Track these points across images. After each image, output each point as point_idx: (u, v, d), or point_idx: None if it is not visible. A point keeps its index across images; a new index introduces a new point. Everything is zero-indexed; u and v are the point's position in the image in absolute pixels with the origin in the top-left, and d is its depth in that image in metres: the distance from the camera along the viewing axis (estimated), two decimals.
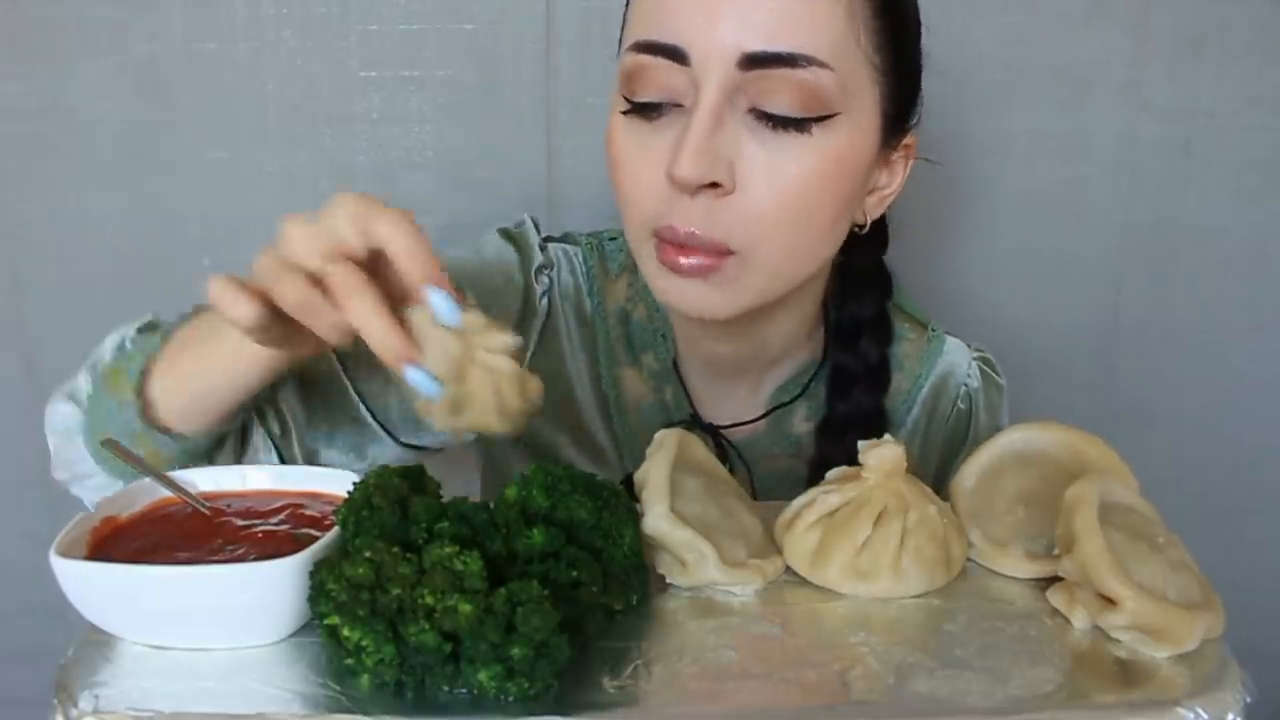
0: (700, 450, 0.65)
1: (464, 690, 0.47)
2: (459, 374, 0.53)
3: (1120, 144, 1.16)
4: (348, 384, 0.76)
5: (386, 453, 0.80)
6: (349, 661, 0.47)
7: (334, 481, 0.59)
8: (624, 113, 0.71)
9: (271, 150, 1.09)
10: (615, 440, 0.87)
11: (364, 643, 0.46)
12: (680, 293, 0.71)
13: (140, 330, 0.71)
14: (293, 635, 0.52)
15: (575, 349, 0.85)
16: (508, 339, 0.54)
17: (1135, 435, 1.09)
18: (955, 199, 1.17)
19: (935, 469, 0.89)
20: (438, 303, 0.52)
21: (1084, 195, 1.17)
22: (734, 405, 0.86)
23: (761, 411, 0.86)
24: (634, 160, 0.70)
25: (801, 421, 0.87)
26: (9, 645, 1.23)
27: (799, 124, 0.66)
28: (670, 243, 0.69)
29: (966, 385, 0.89)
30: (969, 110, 1.14)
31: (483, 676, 0.46)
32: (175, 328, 0.67)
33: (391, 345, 0.52)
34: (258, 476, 0.60)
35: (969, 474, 0.64)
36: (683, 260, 0.69)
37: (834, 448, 0.84)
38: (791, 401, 0.86)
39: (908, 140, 0.76)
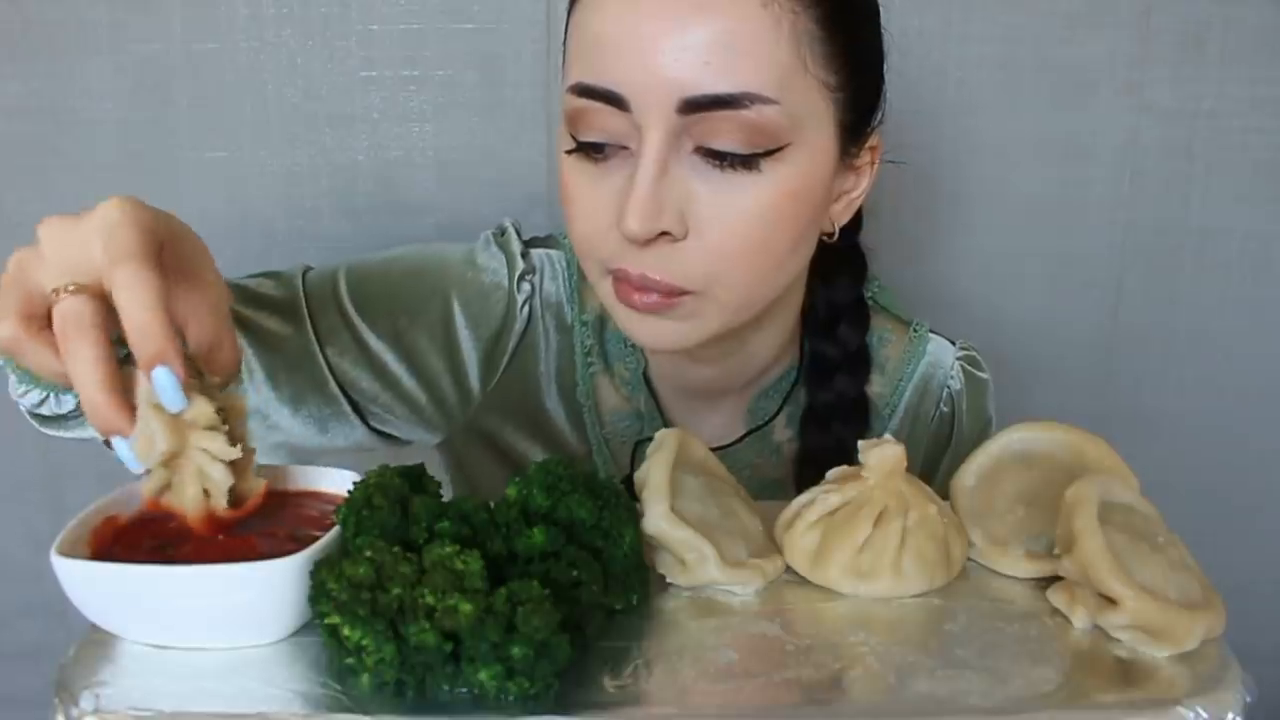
0: (700, 450, 0.65)
1: (464, 690, 0.47)
2: (168, 460, 0.50)
3: (1122, 145, 1.16)
4: (319, 355, 0.76)
5: (350, 433, 0.80)
6: (349, 661, 0.47)
7: (334, 481, 0.59)
8: (569, 151, 0.69)
9: (271, 150, 1.09)
10: (590, 449, 0.85)
11: (364, 642, 0.46)
12: (640, 327, 0.70)
13: None
14: (293, 635, 0.52)
15: (551, 358, 0.84)
16: (230, 450, 0.51)
17: (1135, 435, 1.09)
18: (956, 200, 1.17)
19: (918, 473, 0.88)
20: (161, 388, 0.48)
21: (1085, 196, 1.17)
22: (713, 421, 0.85)
23: (742, 429, 0.85)
24: (585, 201, 0.68)
25: (782, 429, 0.86)
26: (10, 645, 1.23)
27: (746, 161, 0.64)
28: (625, 283, 0.68)
29: (949, 387, 0.87)
30: (969, 111, 1.14)
31: (483, 676, 0.46)
32: None
33: (100, 413, 0.48)
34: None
35: (969, 474, 0.64)
36: (638, 298, 0.68)
37: (819, 438, 0.83)
38: (772, 419, 0.85)
39: (872, 142, 0.74)
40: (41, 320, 0.51)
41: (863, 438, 0.82)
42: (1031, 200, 1.17)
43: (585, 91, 0.66)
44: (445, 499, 0.54)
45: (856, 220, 0.82)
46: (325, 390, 0.77)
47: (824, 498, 0.60)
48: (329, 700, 0.47)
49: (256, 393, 0.74)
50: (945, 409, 0.88)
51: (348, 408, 0.78)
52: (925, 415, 0.88)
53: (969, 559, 0.61)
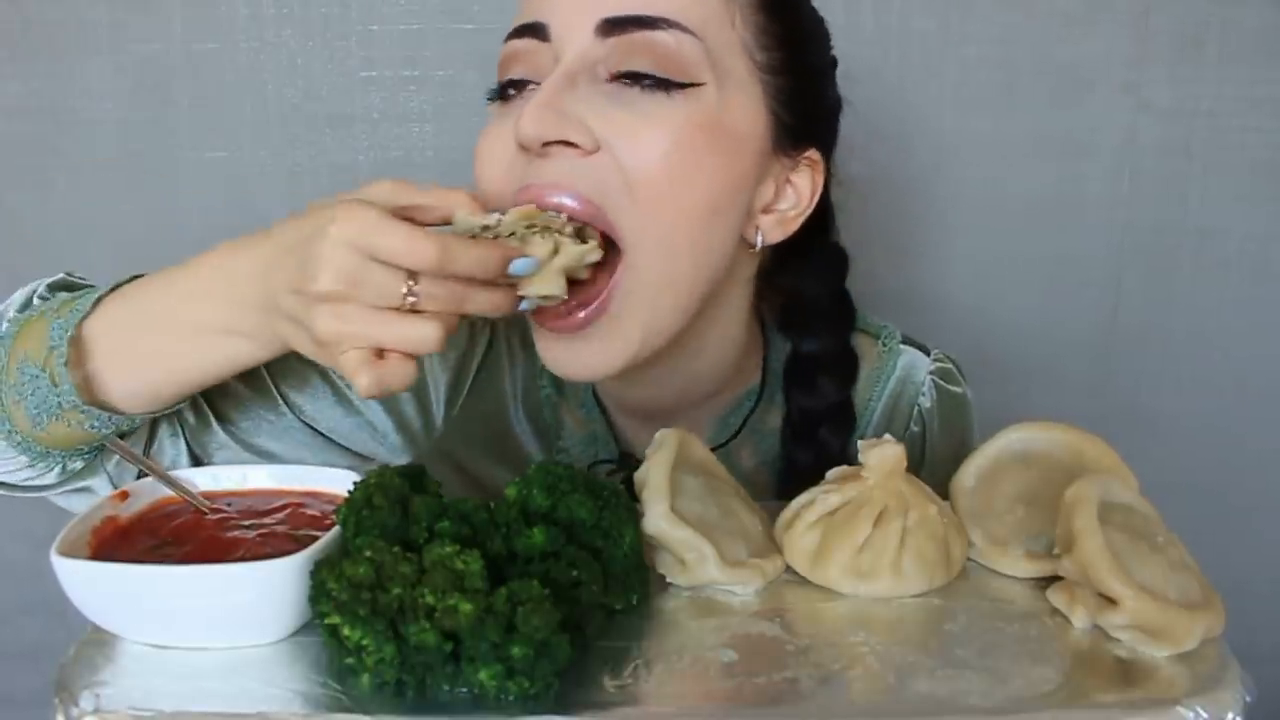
0: (700, 450, 0.64)
1: (464, 690, 0.47)
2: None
3: (1120, 145, 1.16)
4: (271, 386, 0.74)
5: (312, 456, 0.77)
6: (349, 661, 0.47)
7: (334, 481, 0.59)
8: (489, 102, 0.70)
9: (272, 150, 1.09)
10: None
11: (364, 642, 0.46)
12: (556, 350, 0.67)
13: (50, 290, 0.68)
14: (293, 635, 0.52)
15: (517, 377, 0.81)
16: (579, 247, 0.61)
17: (1135, 435, 1.09)
18: (954, 200, 1.17)
19: None
20: (519, 270, 0.57)
21: (1083, 196, 1.18)
22: None
23: None
24: (491, 141, 0.67)
25: (748, 458, 0.82)
26: (10, 645, 1.23)
27: (662, 84, 0.64)
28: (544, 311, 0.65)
29: (919, 406, 0.83)
30: (969, 110, 1.14)
31: (483, 676, 0.46)
32: (106, 298, 0.63)
33: (500, 303, 0.57)
34: (258, 476, 0.60)
35: (969, 474, 0.64)
36: (558, 322, 0.65)
37: (804, 450, 0.79)
38: (731, 440, 0.81)
39: (810, 155, 0.72)
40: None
41: (847, 445, 0.79)
42: (1030, 200, 1.17)
43: (514, 33, 0.67)
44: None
45: (838, 265, 0.80)
46: (275, 417, 0.75)
47: (824, 498, 0.60)
48: (329, 700, 0.47)
49: (216, 433, 0.72)
50: (916, 428, 0.84)
51: (297, 423, 0.76)
52: (894, 436, 0.84)
53: (969, 559, 0.61)
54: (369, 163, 1.10)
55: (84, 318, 0.61)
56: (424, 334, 0.54)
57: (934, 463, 0.83)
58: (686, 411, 0.80)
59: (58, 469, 0.67)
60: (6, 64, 1.05)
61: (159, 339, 0.61)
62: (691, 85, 0.64)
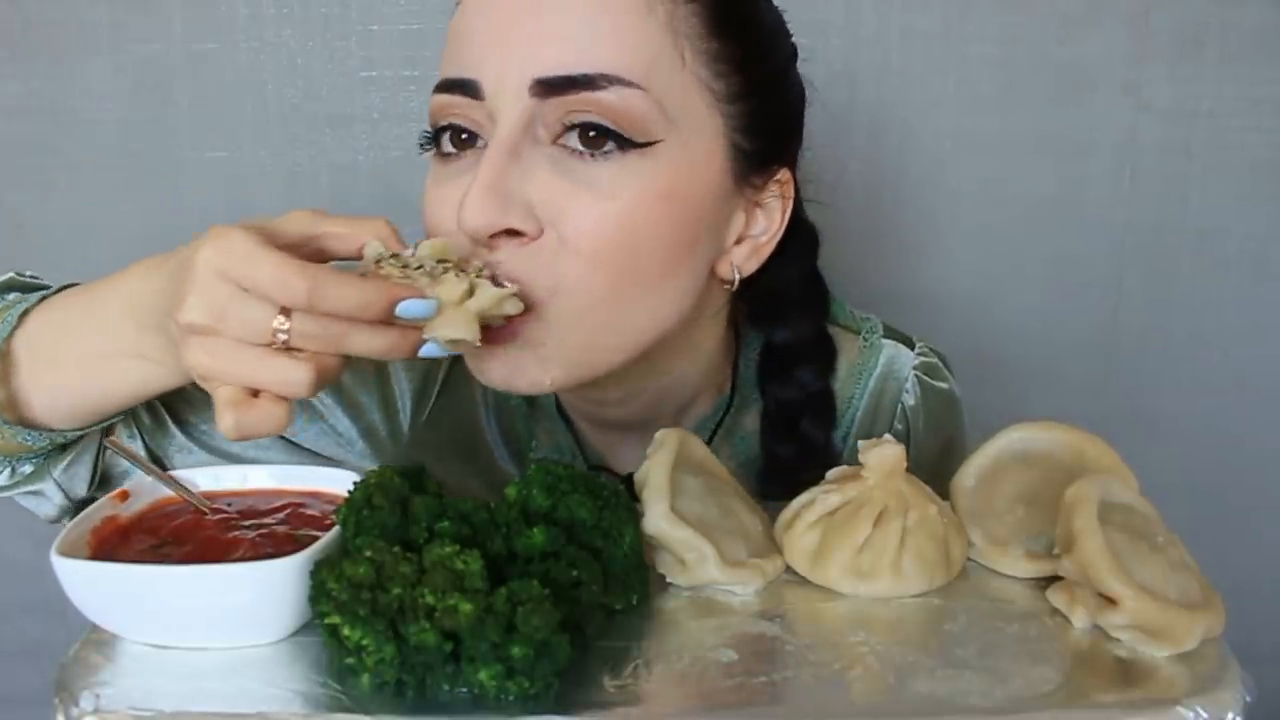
0: (700, 450, 0.64)
1: (464, 690, 0.47)
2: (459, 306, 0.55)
3: (1120, 144, 1.16)
4: None
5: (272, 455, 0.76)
6: (349, 661, 0.47)
7: (334, 481, 0.59)
8: (423, 148, 0.65)
9: (272, 150, 1.09)
10: None
11: (364, 642, 0.46)
12: (485, 364, 0.63)
13: None
14: (293, 635, 0.52)
15: (490, 390, 0.77)
16: (494, 290, 0.56)
17: (1135, 436, 1.09)
18: (955, 199, 1.17)
19: None
20: (411, 313, 0.52)
21: (1084, 196, 1.18)
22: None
23: None
24: (432, 207, 0.63)
25: (727, 462, 0.77)
26: (10, 644, 1.23)
27: (618, 142, 0.58)
28: None
29: (903, 403, 0.80)
30: (969, 110, 1.14)
31: (483, 676, 0.46)
32: (32, 310, 0.61)
33: (393, 346, 0.52)
34: (258, 476, 0.60)
35: (969, 474, 0.64)
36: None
37: (784, 444, 0.76)
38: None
39: (780, 178, 0.67)
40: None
41: (830, 437, 0.78)
42: (1030, 200, 1.17)
43: (444, 86, 0.62)
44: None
45: (809, 246, 0.76)
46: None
47: (824, 498, 0.60)
48: (329, 700, 0.47)
49: (174, 435, 0.72)
50: (900, 426, 0.81)
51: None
52: (878, 435, 0.82)
53: (969, 559, 0.61)
54: (369, 163, 1.10)
55: (12, 331, 0.60)
56: (293, 376, 0.51)
57: (920, 462, 0.80)
58: (657, 424, 0.76)
59: (7, 471, 0.66)
60: (6, 64, 1.05)
61: (73, 358, 0.60)
62: (646, 145, 0.59)
